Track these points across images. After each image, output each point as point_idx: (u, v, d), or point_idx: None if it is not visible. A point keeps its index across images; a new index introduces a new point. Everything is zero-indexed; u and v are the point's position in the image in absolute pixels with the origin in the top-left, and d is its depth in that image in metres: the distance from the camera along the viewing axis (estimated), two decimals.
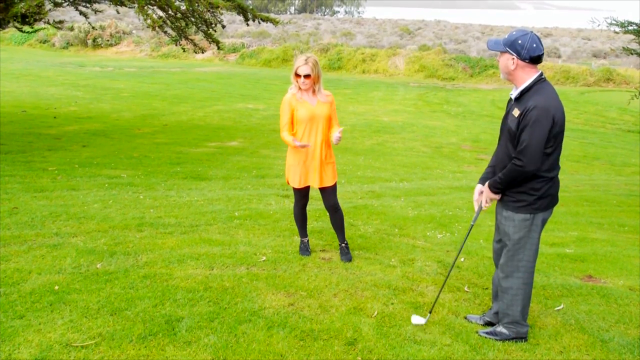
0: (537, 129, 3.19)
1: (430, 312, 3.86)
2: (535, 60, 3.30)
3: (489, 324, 3.84)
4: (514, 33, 3.34)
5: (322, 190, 4.79)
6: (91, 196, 6.62)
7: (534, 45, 3.27)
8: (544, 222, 3.49)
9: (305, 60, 4.48)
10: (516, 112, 3.32)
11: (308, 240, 5.09)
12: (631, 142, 16.16)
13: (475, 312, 4.02)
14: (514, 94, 3.42)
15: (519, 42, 3.28)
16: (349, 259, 4.87)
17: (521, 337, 3.65)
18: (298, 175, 4.71)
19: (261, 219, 6.03)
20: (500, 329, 3.68)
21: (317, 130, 4.64)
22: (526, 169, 3.23)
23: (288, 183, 4.85)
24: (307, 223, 5.98)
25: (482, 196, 3.58)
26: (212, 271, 4.42)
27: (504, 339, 3.63)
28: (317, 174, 4.69)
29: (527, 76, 3.35)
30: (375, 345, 3.47)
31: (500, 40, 3.37)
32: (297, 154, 4.68)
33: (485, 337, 3.65)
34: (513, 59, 3.32)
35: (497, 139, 3.70)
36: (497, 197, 3.51)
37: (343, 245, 4.97)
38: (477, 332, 3.72)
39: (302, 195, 4.85)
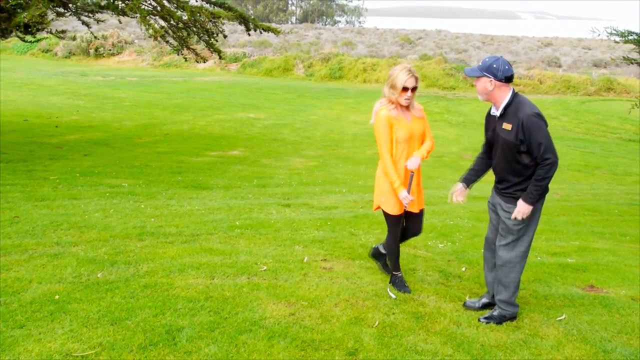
0: (542, 131, 3.64)
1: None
2: (509, 79, 3.72)
3: (487, 305, 4.20)
4: (487, 60, 3.76)
5: (414, 215, 4.34)
6: (92, 205, 6.62)
7: (507, 67, 3.70)
8: (540, 209, 3.92)
9: (409, 71, 4.07)
10: (508, 126, 3.72)
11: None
12: (632, 152, 16.17)
13: (476, 322, 4.01)
14: (497, 112, 3.80)
15: (494, 66, 3.70)
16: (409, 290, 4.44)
17: (513, 317, 4.07)
18: (395, 200, 4.22)
19: (262, 228, 6.02)
20: (497, 312, 4.06)
21: (412, 149, 4.20)
22: (556, 161, 3.65)
23: (378, 209, 4.41)
24: (308, 232, 5.98)
25: (519, 213, 3.77)
26: (213, 281, 4.41)
27: (501, 320, 4.02)
28: (415, 197, 4.23)
29: (505, 94, 3.75)
30: (377, 356, 3.45)
31: (476, 67, 3.78)
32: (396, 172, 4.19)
33: (486, 323, 3.98)
34: (491, 80, 3.71)
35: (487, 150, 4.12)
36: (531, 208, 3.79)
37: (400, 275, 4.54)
38: (478, 320, 4.02)
39: (399, 222, 4.33)
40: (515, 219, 3.79)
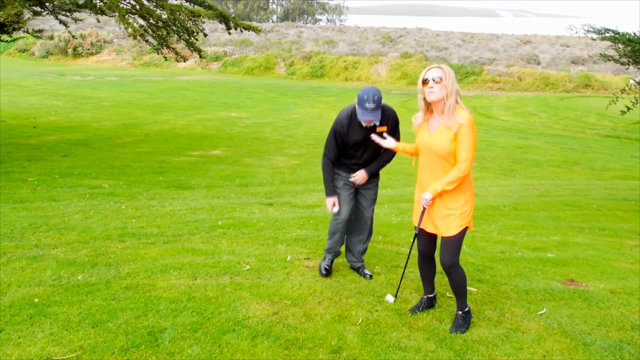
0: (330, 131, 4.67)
1: (396, 296, 4.28)
2: None
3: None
4: (376, 98, 4.07)
5: (442, 238, 3.79)
6: (72, 207, 6.54)
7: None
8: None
9: (438, 65, 3.57)
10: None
11: (430, 298, 4.16)
12: (610, 147, 16.43)
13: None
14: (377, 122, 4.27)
15: (380, 96, 4.09)
16: (462, 331, 3.83)
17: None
18: (414, 212, 3.96)
19: (244, 227, 6.00)
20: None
21: (432, 166, 3.68)
22: (325, 154, 4.62)
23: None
24: (291, 231, 5.96)
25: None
26: (196, 281, 4.38)
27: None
28: (431, 218, 3.80)
29: None
30: (360, 353, 3.46)
31: (379, 111, 4.14)
32: (417, 188, 3.92)
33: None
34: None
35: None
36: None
37: (459, 313, 3.90)
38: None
39: (420, 238, 3.94)
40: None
